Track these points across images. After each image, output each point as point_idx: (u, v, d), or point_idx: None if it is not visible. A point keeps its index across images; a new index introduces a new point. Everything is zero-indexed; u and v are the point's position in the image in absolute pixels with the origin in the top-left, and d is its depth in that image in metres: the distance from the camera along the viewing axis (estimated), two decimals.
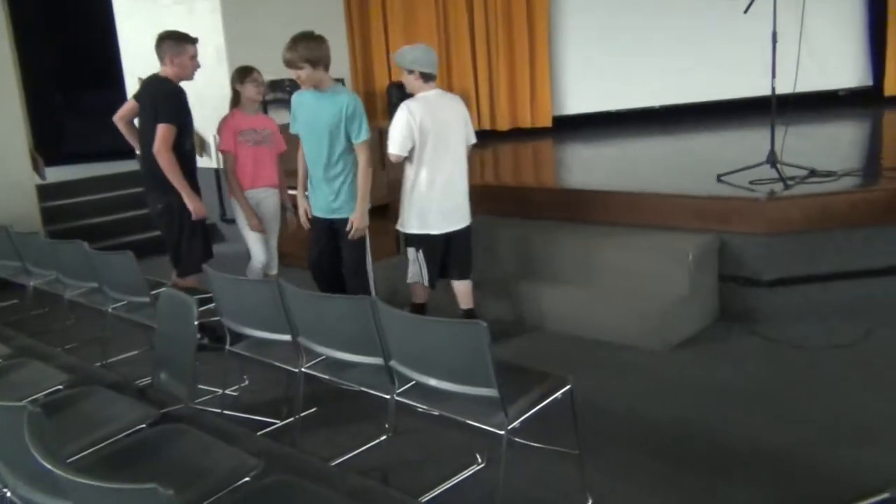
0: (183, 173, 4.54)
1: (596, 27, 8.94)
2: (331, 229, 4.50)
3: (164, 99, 4.52)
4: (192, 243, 4.68)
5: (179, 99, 4.60)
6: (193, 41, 4.66)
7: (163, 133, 4.43)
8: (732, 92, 8.61)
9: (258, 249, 4.97)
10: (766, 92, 5.12)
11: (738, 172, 5.10)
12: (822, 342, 4.24)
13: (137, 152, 4.92)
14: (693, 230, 4.78)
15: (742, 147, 6.25)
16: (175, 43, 4.58)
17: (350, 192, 4.38)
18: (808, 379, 3.88)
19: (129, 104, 4.82)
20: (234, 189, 4.90)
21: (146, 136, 4.56)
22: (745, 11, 4.98)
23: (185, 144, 4.65)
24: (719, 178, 5.15)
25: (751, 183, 4.92)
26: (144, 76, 4.93)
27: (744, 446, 3.27)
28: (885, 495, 2.69)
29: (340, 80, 5.70)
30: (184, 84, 4.70)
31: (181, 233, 4.65)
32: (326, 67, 4.29)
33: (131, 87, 7.75)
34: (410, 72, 4.32)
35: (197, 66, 4.70)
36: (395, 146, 4.33)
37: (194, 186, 4.68)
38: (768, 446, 3.25)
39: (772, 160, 5.01)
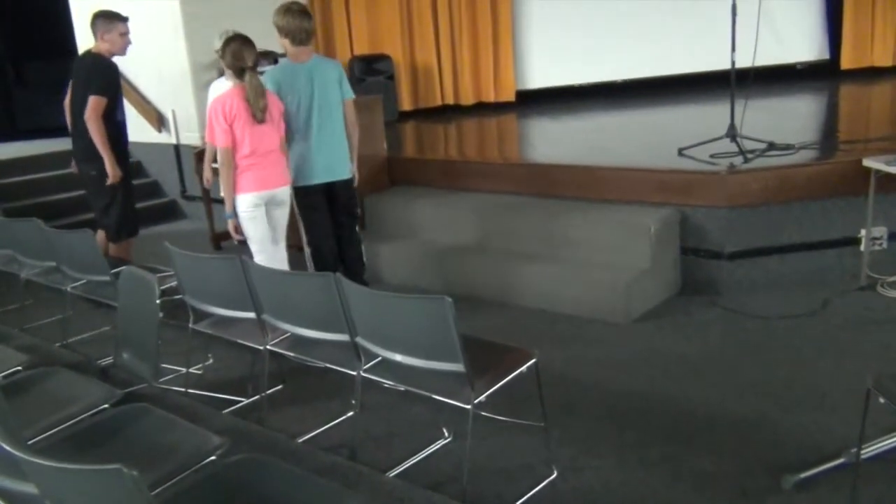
0: (112, 141, 4.93)
1: (558, 1, 8.92)
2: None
3: (97, 72, 4.89)
4: (125, 207, 5.14)
5: (111, 73, 4.99)
6: (124, 19, 4.98)
7: (94, 103, 4.81)
8: (693, 66, 8.68)
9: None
10: (726, 66, 5.17)
11: (699, 146, 5.15)
12: (782, 312, 4.33)
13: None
14: (655, 204, 4.83)
15: (702, 121, 6.32)
16: (106, 21, 4.93)
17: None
18: (768, 348, 3.96)
19: (71, 87, 5.11)
20: None
21: (78, 107, 4.90)
22: None
23: (117, 115, 5.03)
24: (680, 152, 5.19)
25: (711, 156, 4.97)
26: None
27: (706, 415, 3.34)
28: (841, 460, 2.76)
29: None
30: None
31: (114, 196, 5.07)
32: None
33: None
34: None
35: (128, 42, 5.03)
36: None
37: (123, 154, 5.13)
38: (730, 415, 3.32)
39: (732, 134, 5.06)
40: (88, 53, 5.04)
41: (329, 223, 4.54)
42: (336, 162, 4.45)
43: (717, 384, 3.61)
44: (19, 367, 3.00)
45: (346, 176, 4.51)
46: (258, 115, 4.06)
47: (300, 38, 4.27)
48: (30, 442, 2.32)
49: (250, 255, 4.17)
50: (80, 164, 5.13)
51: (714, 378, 3.68)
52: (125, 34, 4.99)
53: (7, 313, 4.82)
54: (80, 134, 4.97)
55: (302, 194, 4.44)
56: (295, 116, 4.31)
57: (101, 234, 5.21)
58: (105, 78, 4.92)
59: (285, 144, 4.31)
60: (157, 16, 7.18)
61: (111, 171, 4.95)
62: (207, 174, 4.62)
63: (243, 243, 4.31)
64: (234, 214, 4.19)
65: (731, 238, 4.65)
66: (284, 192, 4.33)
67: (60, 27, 8.45)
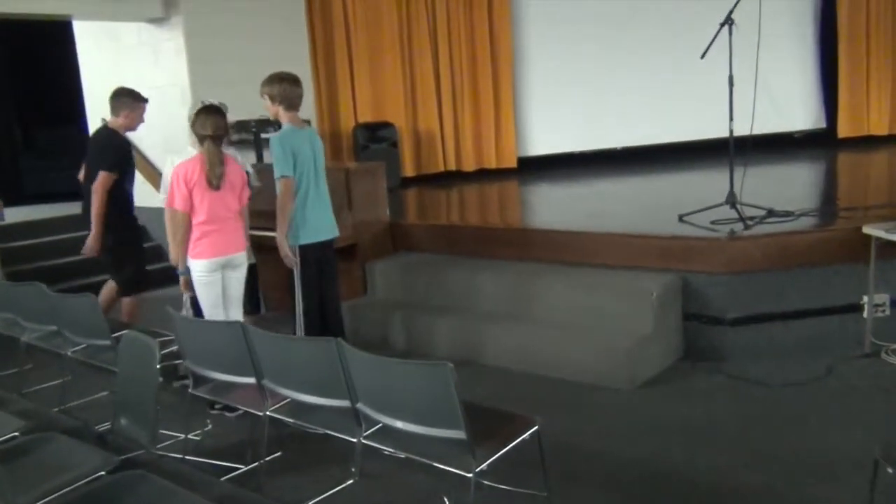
0: (122, 209, 5.23)
1: (559, 71, 9.11)
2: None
3: (111, 149, 5.13)
4: (138, 268, 5.40)
5: (124, 151, 5.25)
6: (146, 100, 5.26)
7: (102, 178, 5.03)
8: (692, 134, 8.82)
9: None
10: (725, 134, 5.24)
11: (699, 212, 5.18)
12: (786, 379, 4.29)
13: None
14: (656, 269, 4.84)
15: (702, 188, 6.38)
16: (133, 101, 5.19)
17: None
18: (773, 416, 3.92)
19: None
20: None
21: (92, 178, 5.08)
22: (702, 56, 5.11)
23: (128, 188, 5.28)
24: (681, 219, 5.23)
25: (712, 223, 5.00)
26: (107, 118, 5.32)
27: (712, 485, 3.28)
28: None
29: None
30: (149, 125, 5.31)
31: (121, 260, 5.30)
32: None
33: (94, 126, 7.71)
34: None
35: (143, 121, 5.31)
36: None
37: (133, 222, 5.41)
38: (735, 484, 3.26)
39: (731, 200, 5.10)
40: (105, 128, 5.24)
41: (318, 283, 4.66)
42: (332, 221, 4.71)
43: (722, 453, 3.56)
44: (16, 433, 2.97)
45: (338, 234, 4.80)
46: (213, 181, 4.19)
47: (296, 104, 4.49)
48: None
49: (201, 315, 4.31)
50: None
51: (719, 447, 3.62)
52: (143, 113, 5.25)
53: (6, 377, 4.78)
54: (89, 201, 5.15)
55: (306, 252, 4.53)
56: (300, 179, 4.44)
57: (110, 286, 5.41)
58: (118, 155, 5.14)
59: (246, 211, 4.45)
60: (165, 83, 7.33)
61: (93, 243, 5.13)
62: (174, 253, 4.63)
63: (194, 300, 4.41)
64: (187, 272, 4.31)
65: (734, 304, 4.64)
66: (241, 257, 4.42)
67: (70, 95, 8.61)
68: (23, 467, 2.67)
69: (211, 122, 4.19)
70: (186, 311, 4.45)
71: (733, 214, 5.02)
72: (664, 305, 4.61)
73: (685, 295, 4.75)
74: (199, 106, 4.31)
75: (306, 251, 4.55)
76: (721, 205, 5.14)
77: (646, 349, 4.49)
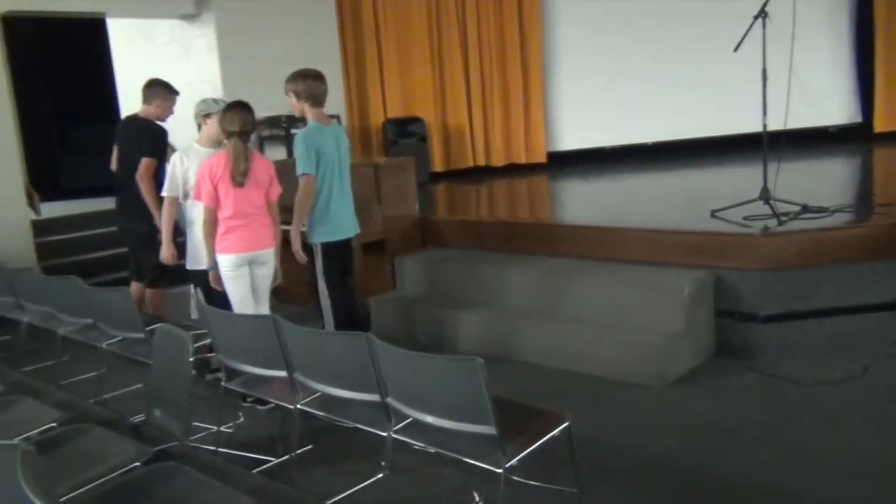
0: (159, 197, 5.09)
1: (589, 65, 9.06)
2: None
3: (150, 136, 5.26)
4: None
5: (162, 138, 5.38)
6: (178, 93, 5.44)
7: (146, 164, 5.13)
8: (725, 129, 8.72)
9: None
10: (758, 129, 5.17)
11: (732, 208, 5.13)
12: (820, 378, 4.23)
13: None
14: (688, 266, 4.79)
15: (735, 183, 6.31)
16: (167, 92, 5.35)
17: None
18: (806, 415, 3.87)
19: (117, 149, 5.47)
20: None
21: (129, 168, 5.17)
22: (735, 50, 5.06)
23: (162, 177, 5.11)
24: (713, 214, 5.18)
25: (745, 219, 4.95)
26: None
27: (743, 484, 3.25)
28: None
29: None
30: (184, 123, 5.27)
31: (152, 250, 5.14)
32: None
33: None
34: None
35: (172, 113, 5.45)
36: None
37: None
38: (767, 483, 3.23)
39: (765, 196, 5.04)
40: (136, 118, 5.36)
41: (342, 279, 4.68)
42: (353, 218, 4.72)
43: (753, 452, 3.52)
44: (53, 424, 3.03)
45: (358, 231, 4.80)
46: (237, 178, 4.18)
47: (321, 100, 4.49)
48: (62, 499, 2.33)
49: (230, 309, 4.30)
50: (133, 222, 5.30)
51: (751, 445, 3.59)
52: (174, 105, 5.41)
53: (44, 369, 4.87)
54: (133, 194, 5.18)
55: (328, 249, 4.54)
56: (323, 177, 4.45)
57: (135, 288, 5.37)
58: (156, 142, 5.26)
59: (275, 208, 4.41)
60: (196, 80, 7.41)
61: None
62: (166, 253, 4.75)
63: (207, 293, 4.41)
64: (215, 266, 4.31)
65: (767, 301, 4.58)
66: (268, 253, 4.39)
67: (104, 92, 8.73)
68: (59, 458, 2.72)
69: (238, 119, 4.18)
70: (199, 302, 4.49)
71: (767, 210, 4.96)
72: (696, 302, 4.57)
73: (717, 291, 4.70)
74: (210, 104, 4.47)
75: (333, 248, 4.57)
76: (754, 200, 5.08)
77: (677, 346, 4.46)
